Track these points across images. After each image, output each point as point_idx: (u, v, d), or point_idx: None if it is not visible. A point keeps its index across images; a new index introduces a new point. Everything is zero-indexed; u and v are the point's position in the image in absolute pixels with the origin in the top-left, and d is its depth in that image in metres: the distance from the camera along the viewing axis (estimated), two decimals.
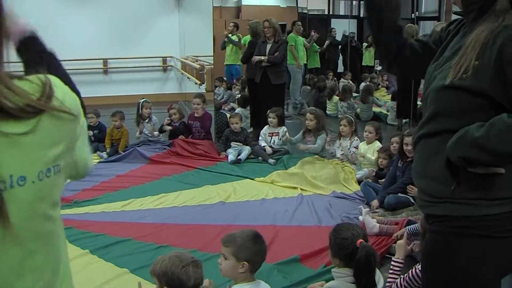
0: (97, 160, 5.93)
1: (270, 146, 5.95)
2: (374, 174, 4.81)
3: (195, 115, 6.28)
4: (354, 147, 5.31)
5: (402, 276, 2.58)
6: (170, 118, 6.43)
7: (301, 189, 4.83)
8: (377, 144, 5.14)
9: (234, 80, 9.76)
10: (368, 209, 4.01)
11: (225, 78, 9.89)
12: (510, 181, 1.36)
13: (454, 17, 1.64)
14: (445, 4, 10.51)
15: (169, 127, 6.37)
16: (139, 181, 5.16)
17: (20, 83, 0.81)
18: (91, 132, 6.23)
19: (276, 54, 6.48)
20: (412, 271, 2.52)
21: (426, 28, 10.72)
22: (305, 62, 10.02)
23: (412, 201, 3.97)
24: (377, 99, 9.34)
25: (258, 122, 6.75)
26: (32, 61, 1.12)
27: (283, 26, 8.68)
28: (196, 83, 7.29)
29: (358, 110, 8.43)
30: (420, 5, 11.06)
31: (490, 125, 1.26)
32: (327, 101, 8.82)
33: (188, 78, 8.55)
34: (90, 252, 3.41)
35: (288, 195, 4.73)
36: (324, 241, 2.89)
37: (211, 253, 3.27)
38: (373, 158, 5.02)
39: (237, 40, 9.32)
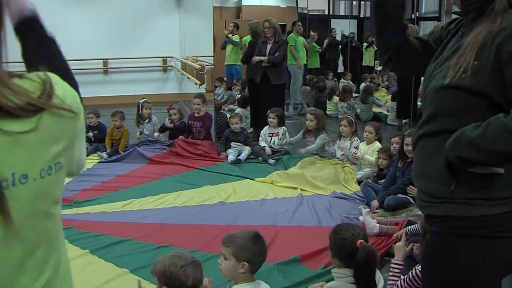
0: (97, 160, 5.94)
1: (270, 147, 5.95)
2: (375, 174, 4.80)
3: (195, 115, 6.27)
4: (355, 148, 5.31)
5: (402, 277, 2.58)
6: (170, 118, 6.43)
7: (301, 189, 4.83)
8: (377, 145, 5.14)
9: (234, 81, 9.76)
10: (368, 209, 4.01)
11: (225, 78, 9.88)
12: (509, 181, 1.36)
13: (454, 17, 1.64)
14: (445, 5, 10.51)
15: (170, 125, 6.37)
16: (139, 181, 5.16)
17: (21, 81, 0.81)
18: (91, 133, 6.24)
19: (276, 55, 6.48)
20: (412, 272, 2.52)
21: (427, 29, 10.72)
22: (305, 63, 10.02)
23: (412, 201, 3.97)
24: (377, 99, 9.35)
25: (258, 122, 6.75)
26: (31, 44, 1.11)
27: (283, 27, 8.68)
28: (196, 83, 7.28)
29: (358, 111, 8.43)
30: (420, 5, 11.07)
31: (486, 125, 1.27)
32: (327, 102, 8.82)
33: (188, 78, 8.55)
34: (90, 252, 3.41)
35: (288, 195, 4.73)
36: (324, 241, 2.88)
37: (211, 253, 3.27)
38: (373, 159, 5.02)
39: (237, 40, 9.32)
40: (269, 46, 6.59)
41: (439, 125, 1.44)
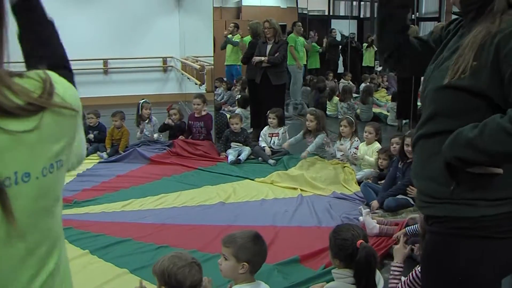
0: (97, 161, 5.94)
1: (270, 147, 5.95)
2: (376, 175, 4.79)
3: (196, 115, 6.27)
4: (355, 148, 5.31)
5: (403, 279, 2.58)
6: (170, 118, 6.43)
7: (301, 189, 4.83)
8: (377, 145, 5.14)
9: (234, 81, 9.76)
10: (368, 209, 4.01)
11: (225, 79, 9.88)
12: (508, 181, 1.36)
13: (454, 18, 1.64)
14: (445, 5, 10.52)
15: (172, 123, 6.36)
16: (139, 181, 5.16)
17: (21, 81, 0.82)
18: (92, 135, 6.23)
19: (276, 55, 6.48)
20: (412, 274, 2.51)
21: (427, 29, 10.72)
22: (305, 63, 10.02)
23: (412, 202, 3.97)
24: (377, 99, 9.35)
25: (258, 122, 6.75)
26: (28, 24, 1.10)
27: (283, 27, 8.68)
28: (196, 84, 7.29)
29: (358, 111, 8.43)
30: (420, 6, 11.08)
31: (483, 126, 1.27)
32: (327, 102, 8.82)
33: (188, 78, 8.55)
34: (90, 252, 3.41)
35: (288, 195, 4.73)
36: (324, 241, 2.89)
37: (211, 254, 3.27)
38: (372, 159, 5.01)
39: (237, 40, 9.32)
40: (269, 47, 6.59)
41: (438, 125, 1.44)
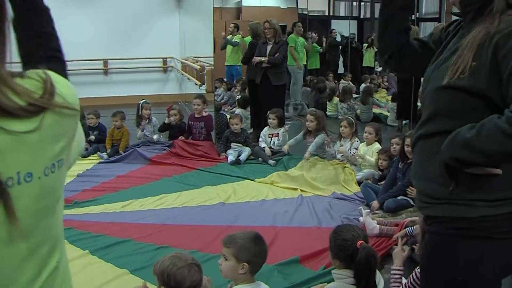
0: (97, 161, 5.94)
1: (270, 147, 5.95)
2: (378, 178, 4.78)
3: (196, 115, 6.27)
4: (355, 148, 5.30)
5: (404, 282, 2.58)
6: (170, 118, 6.43)
7: (301, 190, 4.83)
8: (377, 145, 5.14)
9: (235, 81, 9.76)
10: (368, 210, 4.01)
11: (225, 79, 9.88)
12: (507, 182, 1.36)
13: (454, 18, 1.64)
14: (445, 5, 10.52)
15: (174, 122, 6.35)
16: (139, 181, 5.16)
17: (22, 81, 0.82)
18: (93, 137, 6.23)
19: (276, 55, 6.48)
20: (413, 276, 2.51)
21: (427, 29, 10.74)
22: (305, 63, 10.02)
23: (412, 203, 3.96)
24: (377, 100, 9.35)
25: (258, 123, 6.75)
26: (24, 13, 1.09)
27: (283, 27, 8.68)
28: (196, 84, 7.29)
29: (358, 111, 8.43)
30: (420, 6, 11.08)
31: (480, 126, 1.27)
32: (328, 102, 8.82)
33: (188, 79, 8.56)
34: (90, 252, 3.41)
35: (288, 196, 4.73)
36: (324, 242, 2.89)
37: (212, 254, 3.28)
38: (373, 159, 5.01)
39: (236, 40, 9.32)
40: (269, 47, 6.59)
41: (437, 125, 1.44)
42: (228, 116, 6.62)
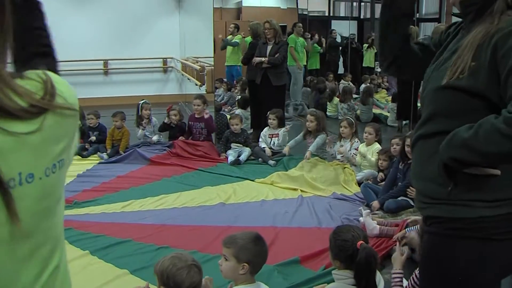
0: (97, 161, 5.94)
1: (270, 148, 5.95)
2: (380, 180, 4.76)
3: (196, 116, 6.27)
4: (355, 149, 5.31)
5: (405, 285, 2.58)
6: (169, 119, 6.42)
7: (301, 190, 4.83)
8: (377, 146, 5.14)
9: (235, 82, 9.76)
10: (368, 210, 4.00)
11: (225, 79, 9.88)
12: (506, 182, 1.36)
13: (454, 18, 1.64)
14: (445, 6, 10.53)
15: (175, 122, 6.35)
16: (139, 182, 5.16)
17: (22, 82, 0.82)
18: (94, 137, 6.23)
19: (276, 56, 6.48)
20: (413, 278, 2.51)
21: (427, 30, 10.74)
22: (305, 64, 10.02)
23: (412, 203, 3.96)
24: (377, 100, 9.35)
25: (259, 123, 6.75)
26: (15, 2, 1.09)
27: (283, 28, 8.69)
28: (196, 84, 7.29)
29: (358, 112, 8.43)
30: (420, 6, 11.09)
31: (478, 126, 1.27)
32: (328, 103, 8.83)
33: (188, 79, 8.56)
34: (90, 253, 3.41)
35: (288, 196, 4.73)
36: (324, 242, 2.89)
37: (212, 254, 3.28)
38: (373, 159, 5.01)
39: (236, 41, 9.32)
40: (269, 47, 6.59)
41: (437, 125, 1.44)
42: (228, 117, 6.63)
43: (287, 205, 4.44)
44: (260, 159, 5.83)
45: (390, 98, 9.44)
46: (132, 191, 4.87)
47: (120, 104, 8.80)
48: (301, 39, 9.25)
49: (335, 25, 12.24)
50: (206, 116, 6.19)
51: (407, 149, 4.07)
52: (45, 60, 0.97)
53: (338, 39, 11.66)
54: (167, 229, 3.92)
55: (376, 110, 8.67)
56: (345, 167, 5.20)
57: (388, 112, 8.35)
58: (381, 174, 4.79)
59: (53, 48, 1.13)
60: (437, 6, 11.46)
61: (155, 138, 6.41)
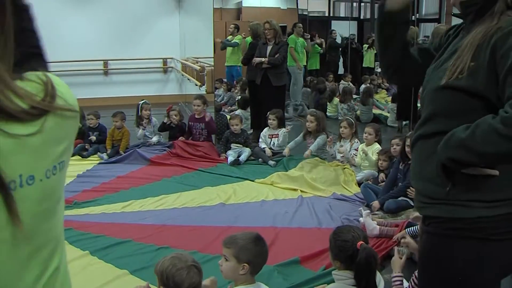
0: (97, 161, 5.94)
1: (270, 148, 5.95)
2: (381, 181, 4.75)
3: (196, 116, 6.27)
4: (355, 149, 5.31)
5: (405, 286, 2.58)
6: (169, 119, 6.42)
7: (301, 191, 4.83)
8: (377, 146, 5.14)
9: (235, 82, 9.76)
10: (368, 211, 4.01)
11: (225, 80, 9.89)
12: (504, 182, 1.36)
13: (454, 19, 1.65)
14: (445, 6, 10.53)
15: (176, 122, 6.35)
16: (139, 182, 5.16)
17: (22, 83, 0.82)
18: (94, 137, 6.23)
19: (276, 56, 6.49)
20: (413, 279, 2.51)
21: (427, 30, 10.73)
22: (305, 64, 10.02)
23: (412, 203, 3.96)
24: (377, 101, 9.34)
25: (259, 123, 6.75)
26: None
27: (283, 28, 8.68)
28: (196, 85, 7.29)
29: (358, 112, 8.43)
30: (420, 7, 11.08)
31: (475, 127, 1.27)
32: (328, 103, 8.83)
33: (188, 79, 8.56)
34: (90, 253, 3.41)
35: (288, 196, 4.73)
36: (324, 243, 2.89)
37: (212, 255, 3.28)
38: (373, 158, 5.01)
39: (236, 41, 9.32)
40: (269, 48, 6.59)
41: (436, 126, 1.44)
42: (228, 117, 6.62)
43: (287, 206, 4.44)
44: (260, 159, 5.83)
45: (390, 98, 9.44)
46: (132, 191, 4.87)
47: (120, 104, 8.80)
48: (301, 39, 9.25)
49: (335, 25, 12.24)
50: (207, 119, 6.18)
51: (407, 149, 4.08)
52: (35, 60, 0.96)
53: (338, 40, 11.65)
54: (167, 229, 3.92)
55: (376, 111, 8.67)
56: (345, 168, 5.20)
57: (388, 112, 8.35)
58: (382, 174, 4.79)
59: (43, 49, 1.13)
60: (437, 7, 11.46)
61: (155, 138, 6.41)
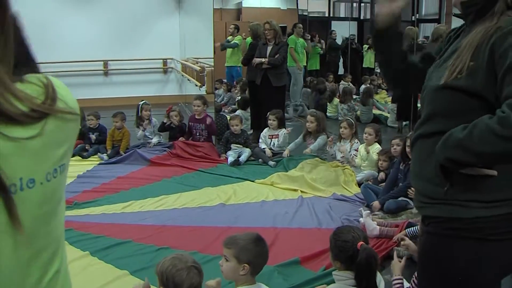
0: (98, 162, 5.95)
1: (270, 149, 5.95)
2: (380, 180, 4.75)
3: (196, 117, 6.27)
4: (355, 150, 5.31)
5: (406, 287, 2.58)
6: (169, 119, 6.42)
7: (301, 191, 4.83)
8: (377, 146, 5.14)
9: (235, 82, 9.76)
10: (368, 211, 4.01)
11: (225, 80, 9.89)
12: (503, 183, 1.36)
13: (454, 19, 1.65)
14: (445, 7, 10.52)
15: (176, 123, 6.35)
16: (140, 183, 5.16)
17: (22, 86, 0.81)
18: (94, 137, 6.24)
19: (276, 56, 6.49)
20: (414, 280, 2.51)
21: (427, 30, 10.72)
22: (305, 64, 10.02)
23: (412, 204, 3.96)
24: (377, 101, 9.34)
25: (259, 124, 6.75)
26: None
27: (283, 28, 8.68)
28: (196, 85, 7.29)
29: (358, 113, 8.43)
30: (420, 7, 11.08)
31: (472, 127, 1.27)
32: (328, 104, 8.83)
33: (188, 80, 8.57)
34: (90, 254, 3.41)
35: (288, 197, 4.73)
36: (324, 243, 2.89)
37: (212, 255, 3.28)
38: (374, 157, 5.01)
39: (236, 42, 9.32)
40: (269, 48, 6.59)
41: (435, 125, 1.45)
42: (228, 117, 6.62)
43: (287, 206, 4.44)
44: (260, 159, 5.83)
45: (390, 99, 9.43)
46: (132, 192, 4.87)
47: (120, 104, 8.80)
48: (301, 39, 9.25)
49: (335, 25, 12.23)
50: (208, 122, 6.18)
51: (407, 149, 4.08)
52: (26, 68, 0.96)
53: (338, 41, 11.65)
54: (167, 229, 3.92)
55: (376, 111, 8.67)
56: (345, 168, 5.20)
57: (388, 113, 8.35)
58: (381, 173, 4.79)
59: (33, 58, 1.12)
60: (437, 7, 11.45)
61: (155, 139, 6.40)
